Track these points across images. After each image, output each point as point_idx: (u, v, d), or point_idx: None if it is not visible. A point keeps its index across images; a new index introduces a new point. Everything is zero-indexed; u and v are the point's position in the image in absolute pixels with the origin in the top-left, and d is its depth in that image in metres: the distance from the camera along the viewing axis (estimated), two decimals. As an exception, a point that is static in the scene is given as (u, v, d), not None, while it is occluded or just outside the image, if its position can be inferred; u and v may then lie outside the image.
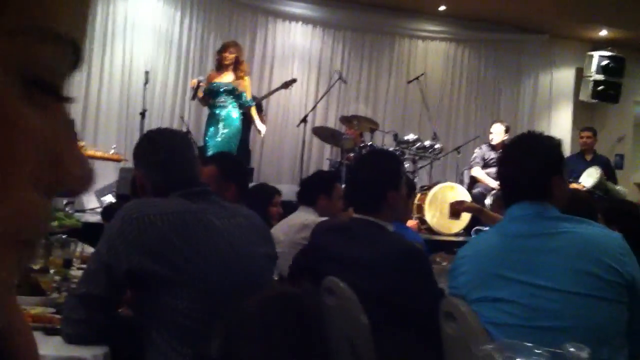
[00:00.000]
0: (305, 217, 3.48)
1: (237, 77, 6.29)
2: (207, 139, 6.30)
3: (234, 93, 6.26)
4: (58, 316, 1.92)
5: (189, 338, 1.84)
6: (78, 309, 1.82)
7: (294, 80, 7.08)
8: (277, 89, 7.09)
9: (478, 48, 9.47)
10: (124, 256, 1.80)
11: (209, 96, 6.33)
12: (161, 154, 2.06)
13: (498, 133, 7.01)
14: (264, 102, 6.86)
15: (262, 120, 6.83)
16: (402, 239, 2.51)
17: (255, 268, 2.03)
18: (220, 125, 6.23)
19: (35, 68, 0.35)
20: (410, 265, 2.30)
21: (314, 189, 3.72)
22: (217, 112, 6.26)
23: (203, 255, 1.87)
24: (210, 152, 5.93)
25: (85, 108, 7.50)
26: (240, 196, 2.88)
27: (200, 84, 6.27)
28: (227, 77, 6.27)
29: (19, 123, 0.34)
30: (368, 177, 2.52)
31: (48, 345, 1.75)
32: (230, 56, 6.25)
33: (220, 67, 6.32)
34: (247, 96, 6.38)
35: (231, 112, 6.27)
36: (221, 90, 6.22)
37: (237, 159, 3.75)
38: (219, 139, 6.20)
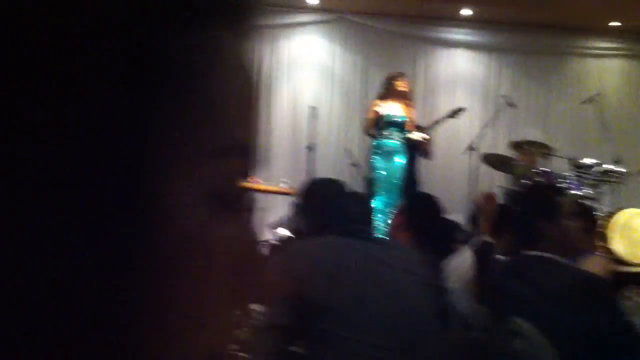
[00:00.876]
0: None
1: (407, 107, 6.27)
2: (376, 172, 6.26)
3: (404, 126, 6.24)
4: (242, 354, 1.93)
5: None
6: (267, 342, 1.83)
7: (462, 109, 6.88)
8: (444, 118, 6.91)
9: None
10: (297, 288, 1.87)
11: (377, 126, 6.31)
12: (315, 200, 2.32)
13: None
14: (430, 132, 6.71)
15: (428, 151, 6.68)
16: (579, 270, 2.38)
17: (418, 312, 2.03)
18: (390, 157, 6.22)
19: (220, 183, 0.33)
20: (593, 298, 2.10)
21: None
22: (387, 143, 6.26)
23: (363, 290, 1.92)
24: (378, 186, 5.95)
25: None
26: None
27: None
28: (396, 108, 6.25)
29: (216, 244, 0.33)
30: (522, 212, 2.51)
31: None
32: (405, 84, 6.28)
33: (391, 95, 6.29)
34: (412, 128, 6.35)
35: (400, 144, 6.25)
36: (396, 121, 6.22)
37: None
38: (387, 172, 6.19)
